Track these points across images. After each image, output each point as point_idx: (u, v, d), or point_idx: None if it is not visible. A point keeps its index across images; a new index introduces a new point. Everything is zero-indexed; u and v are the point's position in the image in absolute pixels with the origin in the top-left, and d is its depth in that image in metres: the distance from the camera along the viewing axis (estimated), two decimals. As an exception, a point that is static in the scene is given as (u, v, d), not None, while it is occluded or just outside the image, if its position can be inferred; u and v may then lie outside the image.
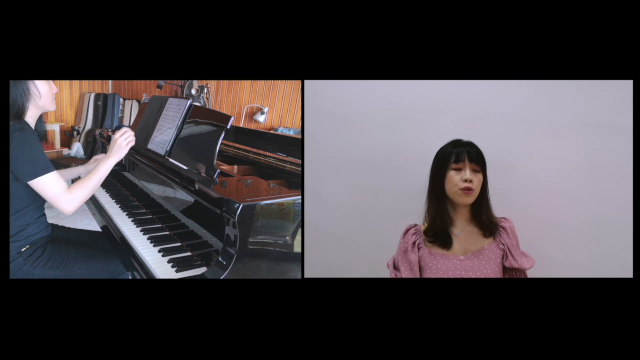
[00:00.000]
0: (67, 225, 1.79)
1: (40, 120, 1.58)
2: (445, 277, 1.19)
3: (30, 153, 1.36)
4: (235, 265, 1.16)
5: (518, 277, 1.23)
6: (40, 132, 1.57)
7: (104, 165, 1.51)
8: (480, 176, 1.20)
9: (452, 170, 1.20)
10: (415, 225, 1.28)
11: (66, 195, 1.40)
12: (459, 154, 1.20)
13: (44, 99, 1.49)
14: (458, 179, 1.19)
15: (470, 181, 1.18)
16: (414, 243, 1.24)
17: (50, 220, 1.63)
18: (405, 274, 1.24)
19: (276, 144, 2.09)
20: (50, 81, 1.51)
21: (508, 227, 1.22)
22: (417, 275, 1.23)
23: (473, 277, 1.18)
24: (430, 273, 1.21)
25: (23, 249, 1.46)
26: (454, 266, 1.20)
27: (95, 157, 1.92)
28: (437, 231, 1.23)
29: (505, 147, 1.44)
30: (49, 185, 1.38)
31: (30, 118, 1.49)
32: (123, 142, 1.56)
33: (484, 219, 1.22)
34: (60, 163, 4.19)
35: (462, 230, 1.23)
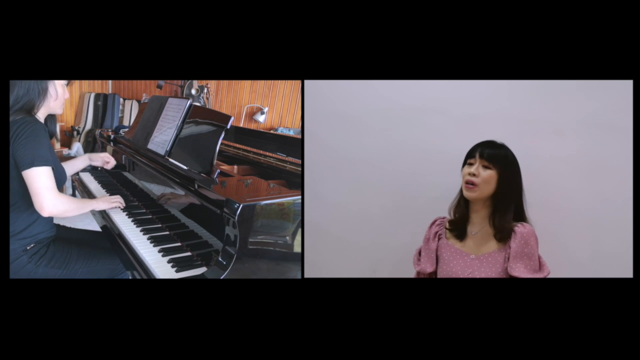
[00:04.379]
0: (68, 225, 1.79)
1: (53, 120, 1.62)
2: (454, 270, 1.25)
3: (35, 144, 1.37)
4: (235, 265, 1.16)
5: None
6: (52, 132, 1.60)
7: (90, 203, 1.64)
8: (491, 173, 1.22)
9: (465, 166, 1.27)
10: (443, 217, 1.34)
11: (54, 194, 1.38)
12: (474, 150, 1.26)
13: (58, 101, 1.53)
14: (466, 171, 1.25)
15: (474, 175, 1.23)
16: (435, 233, 1.32)
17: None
18: (424, 260, 1.31)
19: (276, 144, 2.09)
20: (66, 87, 1.55)
21: (519, 232, 1.20)
22: (434, 263, 1.30)
23: (478, 276, 1.22)
24: (442, 264, 1.28)
25: (29, 247, 1.47)
26: (464, 262, 1.25)
27: (89, 155, 1.97)
28: (456, 224, 1.29)
29: (505, 147, 1.44)
30: (41, 177, 1.36)
31: (40, 115, 1.51)
32: (112, 201, 1.69)
33: (496, 222, 1.23)
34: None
35: (479, 231, 1.27)
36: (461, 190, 1.29)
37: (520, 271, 1.18)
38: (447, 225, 1.31)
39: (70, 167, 1.87)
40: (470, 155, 1.27)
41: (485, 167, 1.23)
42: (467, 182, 1.24)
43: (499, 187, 1.23)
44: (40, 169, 1.36)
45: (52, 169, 1.40)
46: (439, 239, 1.31)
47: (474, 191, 1.23)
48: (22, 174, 1.37)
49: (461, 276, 1.23)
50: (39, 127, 1.40)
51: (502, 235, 1.22)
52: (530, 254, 1.19)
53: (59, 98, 1.53)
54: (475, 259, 1.24)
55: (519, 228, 1.21)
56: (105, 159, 1.94)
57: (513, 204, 1.24)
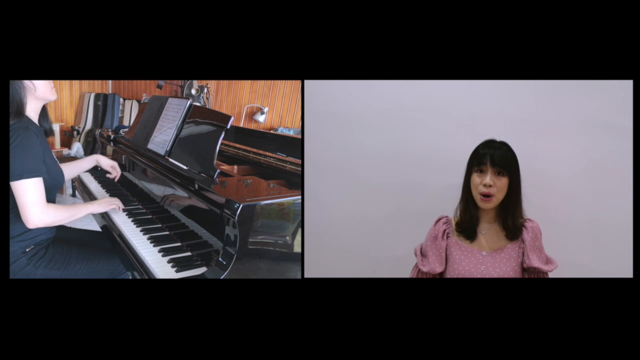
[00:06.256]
0: (67, 225, 1.79)
1: (46, 116, 1.58)
2: (466, 268, 1.23)
3: (24, 153, 1.34)
4: (235, 265, 1.16)
5: (537, 277, 1.24)
6: (46, 129, 1.57)
7: (85, 207, 1.60)
8: (504, 180, 1.20)
9: (475, 173, 1.23)
10: (447, 216, 1.31)
11: (40, 207, 1.37)
12: (483, 156, 1.22)
13: (40, 90, 1.46)
14: (479, 182, 1.21)
15: (490, 186, 1.19)
16: (444, 231, 1.28)
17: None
18: (432, 259, 1.27)
19: (276, 144, 2.09)
20: None
21: (529, 227, 1.23)
22: (444, 262, 1.26)
23: (492, 272, 1.22)
24: (453, 263, 1.25)
25: (27, 249, 1.46)
26: (476, 260, 1.23)
27: (96, 157, 1.92)
28: (465, 227, 1.26)
29: (505, 147, 1.44)
30: (28, 190, 1.34)
31: (32, 112, 1.48)
32: (110, 202, 1.67)
33: (509, 222, 1.23)
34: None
35: (488, 230, 1.26)
36: (464, 191, 1.27)
37: (537, 263, 1.21)
38: (455, 226, 1.28)
39: (76, 168, 1.87)
40: (479, 161, 1.22)
41: (498, 173, 1.20)
42: (483, 195, 1.20)
43: (510, 190, 1.22)
44: (28, 181, 1.34)
45: (44, 178, 1.38)
46: (447, 237, 1.27)
47: (491, 202, 1.21)
48: (11, 184, 1.34)
49: (474, 274, 1.22)
50: (29, 134, 1.36)
51: (514, 233, 1.23)
52: (541, 247, 1.24)
53: (39, 87, 1.45)
54: (487, 256, 1.23)
55: (529, 223, 1.24)
56: (113, 166, 1.89)
57: (519, 202, 1.25)
